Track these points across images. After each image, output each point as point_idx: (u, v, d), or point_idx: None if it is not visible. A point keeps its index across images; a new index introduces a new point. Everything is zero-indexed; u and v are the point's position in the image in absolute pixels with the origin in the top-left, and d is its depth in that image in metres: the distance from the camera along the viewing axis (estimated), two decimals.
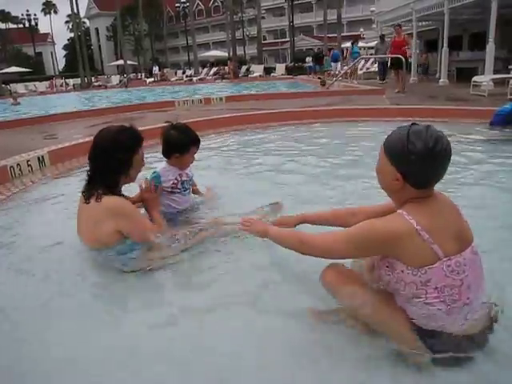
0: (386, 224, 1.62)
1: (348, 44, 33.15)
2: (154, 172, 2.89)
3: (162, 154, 2.94)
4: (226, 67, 33.99)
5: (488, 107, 7.86)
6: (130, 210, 2.50)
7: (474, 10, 16.85)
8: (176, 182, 2.92)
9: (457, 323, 1.62)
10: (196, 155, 3.01)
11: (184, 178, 2.97)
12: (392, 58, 14.37)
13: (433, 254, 1.56)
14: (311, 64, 28.85)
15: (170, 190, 2.92)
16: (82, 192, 2.50)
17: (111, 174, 2.46)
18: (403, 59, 12.98)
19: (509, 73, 11.98)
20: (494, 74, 12.98)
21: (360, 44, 25.63)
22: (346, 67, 19.74)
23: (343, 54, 26.17)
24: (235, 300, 2.21)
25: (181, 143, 2.83)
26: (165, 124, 2.91)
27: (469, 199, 3.37)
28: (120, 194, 2.54)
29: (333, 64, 22.50)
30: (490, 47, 13.39)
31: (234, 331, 1.97)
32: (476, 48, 18.01)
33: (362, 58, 18.59)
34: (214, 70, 35.02)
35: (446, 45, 15.99)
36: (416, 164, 1.59)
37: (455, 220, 1.68)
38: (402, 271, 1.62)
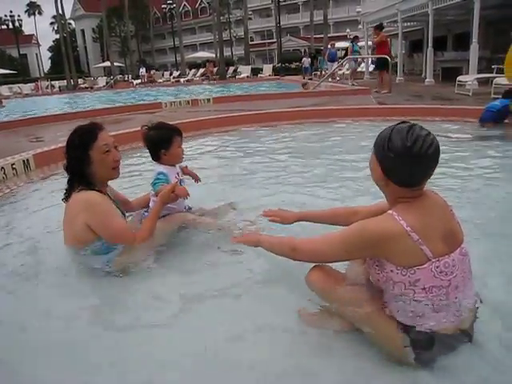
0: (376, 225, 1.63)
1: (340, 43, 33.30)
2: (161, 173, 2.81)
3: (152, 158, 2.91)
4: (203, 69, 33.98)
5: (474, 106, 7.97)
6: (103, 206, 2.45)
7: (458, 11, 17.04)
8: (176, 180, 2.87)
9: (443, 322, 1.63)
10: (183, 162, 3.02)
11: (181, 176, 2.97)
12: (377, 59, 14.55)
13: (422, 255, 1.57)
14: (307, 65, 27.64)
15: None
16: (65, 193, 2.53)
17: (77, 173, 2.48)
18: (388, 59, 13.17)
19: (492, 72, 12.12)
20: (478, 73, 13.14)
21: (347, 44, 25.23)
22: (333, 68, 19.68)
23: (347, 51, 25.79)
24: (220, 300, 2.22)
25: (162, 138, 2.82)
26: (142, 129, 2.88)
27: (458, 195, 3.42)
28: (99, 191, 2.51)
29: (329, 64, 21.32)
30: (474, 47, 13.55)
31: (220, 329, 1.97)
32: (460, 48, 18.21)
33: (349, 59, 18.46)
34: (202, 71, 34.98)
35: (430, 45, 16.17)
36: (394, 162, 1.60)
37: (446, 220, 1.68)
38: (392, 271, 1.63)
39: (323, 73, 22.71)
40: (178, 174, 2.93)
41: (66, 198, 2.51)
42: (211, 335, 1.94)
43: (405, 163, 1.59)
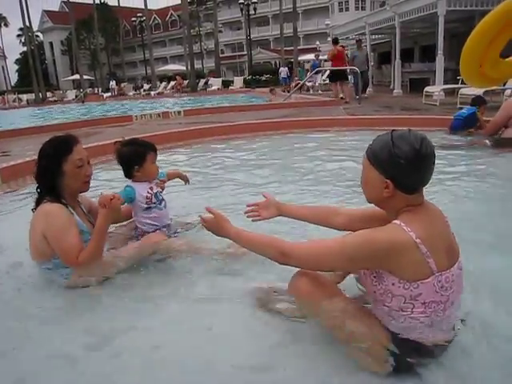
0: (385, 236, 1.54)
1: (310, 56, 33.58)
2: (128, 186, 2.73)
3: (125, 176, 2.81)
4: (185, 81, 34.06)
5: (441, 116, 8.16)
6: (60, 220, 2.37)
7: (424, 25, 17.54)
8: (150, 195, 2.78)
9: (434, 334, 1.61)
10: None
11: (155, 190, 2.84)
12: (333, 72, 15.02)
13: (428, 268, 1.52)
14: (285, 75, 26.95)
15: (146, 206, 2.77)
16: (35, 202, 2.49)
17: (46, 184, 2.44)
18: (346, 71, 14.34)
19: (458, 83, 12.45)
20: (444, 84, 13.50)
21: (312, 57, 25.42)
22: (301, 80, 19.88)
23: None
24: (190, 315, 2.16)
25: (135, 154, 2.72)
26: (114, 145, 2.80)
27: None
28: (65, 205, 2.44)
29: (315, 76, 20.85)
30: (440, 59, 13.93)
31: (192, 338, 1.92)
32: (427, 60, 18.70)
33: (319, 71, 18.72)
34: (173, 83, 34.91)
35: (398, 57, 16.56)
36: (405, 167, 1.55)
37: (446, 232, 1.65)
38: (393, 284, 1.57)
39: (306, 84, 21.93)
40: (150, 188, 2.80)
41: (35, 207, 2.46)
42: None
43: (416, 166, 1.55)
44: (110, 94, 35.39)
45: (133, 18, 50.86)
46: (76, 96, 33.87)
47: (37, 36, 67.21)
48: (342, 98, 14.25)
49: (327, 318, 1.76)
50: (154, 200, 2.79)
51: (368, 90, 16.63)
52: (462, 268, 1.66)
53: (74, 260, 2.34)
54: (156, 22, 69.63)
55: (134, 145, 2.77)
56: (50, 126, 12.17)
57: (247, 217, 2.29)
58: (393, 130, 1.63)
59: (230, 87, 33.37)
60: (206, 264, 2.58)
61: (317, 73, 19.59)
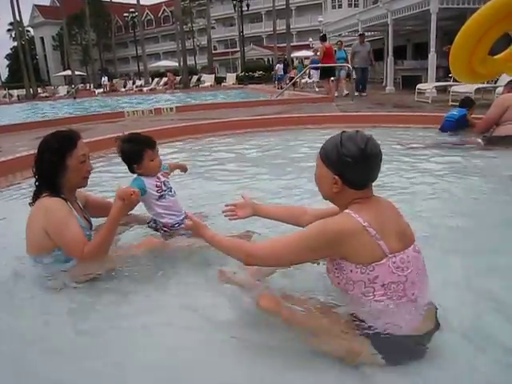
0: (336, 223, 1.69)
1: (302, 52, 33.43)
2: (137, 178, 2.71)
3: (130, 171, 2.78)
4: (178, 77, 33.97)
5: (433, 113, 8.18)
6: (61, 213, 2.37)
7: (416, 22, 17.58)
8: (159, 184, 2.76)
9: (403, 321, 1.66)
10: None
11: (163, 179, 2.81)
12: (323, 69, 15.07)
13: (380, 251, 1.64)
14: (281, 72, 25.31)
15: (158, 194, 2.75)
16: (32, 196, 2.49)
17: (47, 178, 2.43)
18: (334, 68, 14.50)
19: (450, 80, 12.50)
20: (437, 81, 13.56)
21: (309, 54, 25.23)
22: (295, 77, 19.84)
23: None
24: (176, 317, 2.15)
25: (133, 152, 2.69)
26: (116, 141, 2.75)
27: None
28: (64, 199, 2.43)
29: (313, 72, 19.87)
30: (432, 57, 13.98)
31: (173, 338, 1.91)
32: (419, 57, 18.76)
33: (313, 68, 18.63)
34: (165, 80, 34.79)
35: (391, 54, 16.59)
36: (351, 165, 1.70)
37: (396, 219, 1.77)
38: (351, 271, 1.69)
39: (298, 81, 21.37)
40: (157, 178, 2.78)
41: (33, 201, 2.45)
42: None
43: (362, 165, 1.70)
44: (101, 90, 35.16)
45: (125, 14, 50.65)
46: (67, 92, 33.63)
47: (27, 31, 66.85)
48: (347, 93, 14.54)
49: (296, 321, 1.81)
50: (163, 188, 2.78)
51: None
52: (419, 251, 1.77)
53: (80, 253, 2.34)
54: (148, 17, 69.30)
55: (131, 142, 2.71)
56: (41, 122, 12.10)
57: (224, 216, 2.42)
58: (343, 131, 1.79)
59: (223, 84, 33.30)
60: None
61: (316, 69, 18.50)
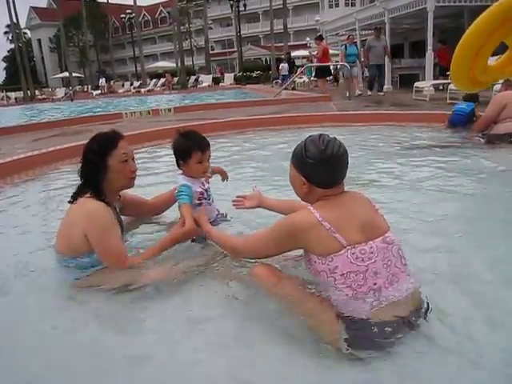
0: (295, 218, 1.85)
1: (300, 52, 33.22)
2: (184, 185, 2.63)
3: (176, 166, 2.75)
4: (175, 78, 33.98)
5: (433, 111, 8.19)
6: (105, 219, 2.37)
7: (413, 20, 17.60)
8: (202, 190, 2.73)
9: (365, 308, 1.72)
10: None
11: (206, 186, 2.79)
12: (319, 68, 15.13)
13: (336, 243, 1.75)
14: (286, 72, 23.35)
15: (197, 202, 2.70)
16: (72, 196, 2.48)
17: (91, 179, 2.44)
18: (330, 67, 14.23)
19: (447, 78, 12.50)
20: (434, 79, 13.55)
21: (306, 53, 24.87)
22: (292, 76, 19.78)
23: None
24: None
25: (181, 148, 2.64)
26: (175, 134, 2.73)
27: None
28: (106, 203, 2.43)
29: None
30: (429, 55, 14.00)
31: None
32: (416, 55, 18.77)
33: (309, 66, 18.58)
34: (163, 81, 34.81)
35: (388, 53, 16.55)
36: (313, 166, 1.84)
37: (364, 213, 1.87)
38: (315, 262, 1.81)
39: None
40: (202, 183, 2.75)
41: (73, 200, 2.44)
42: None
43: (323, 165, 1.83)
44: (99, 91, 35.14)
45: (122, 15, 50.78)
46: (65, 94, 33.58)
47: (24, 33, 66.62)
48: (360, 94, 14.25)
49: (282, 296, 1.93)
50: (205, 195, 2.76)
51: (359, 85, 15.93)
52: (390, 242, 1.84)
53: (122, 263, 2.35)
54: (145, 18, 69.27)
55: (184, 138, 2.67)
56: (39, 124, 12.08)
57: (233, 205, 2.73)
58: (309, 136, 1.91)
59: (221, 84, 33.30)
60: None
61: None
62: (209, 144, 2.69)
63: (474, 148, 5.55)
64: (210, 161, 2.75)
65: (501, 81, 6.62)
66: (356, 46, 14.93)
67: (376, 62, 13.81)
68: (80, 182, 2.49)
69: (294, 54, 34.47)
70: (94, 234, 2.32)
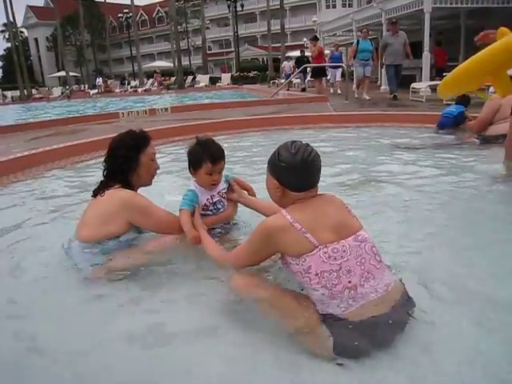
0: (267, 222, 1.91)
1: (295, 53, 33.03)
2: (190, 190, 2.64)
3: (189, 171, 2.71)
4: (172, 78, 34.02)
5: (429, 112, 8.22)
6: (144, 198, 2.58)
7: (410, 21, 17.64)
8: (208, 203, 2.68)
9: (340, 307, 1.74)
10: None
11: (216, 199, 2.72)
12: (315, 69, 15.23)
13: (308, 243, 1.79)
14: (289, 72, 21.70)
15: (202, 212, 2.67)
16: (94, 190, 2.62)
17: (121, 173, 2.59)
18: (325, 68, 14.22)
19: None
20: (431, 80, 13.59)
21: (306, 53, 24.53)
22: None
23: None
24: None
25: (193, 157, 2.59)
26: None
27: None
28: None
29: (331, 71, 16.42)
30: (426, 56, 14.05)
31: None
32: (413, 56, 18.77)
33: (307, 67, 18.45)
34: (151, 80, 34.81)
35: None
36: (284, 170, 1.91)
37: (336, 214, 1.91)
38: (290, 263, 1.84)
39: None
40: (211, 196, 2.69)
41: (98, 193, 2.57)
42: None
43: (295, 169, 1.88)
44: (96, 90, 35.08)
45: (119, 14, 50.57)
46: (62, 93, 33.54)
47: (21, 32, 66.51)
48: (369, 99, 12.73)
49: (263, 303, 1.95)
50: (210, 208, 2.71)
51: (354, 86, 15.67)
52: (363, 240, 1.87)
53: (177, 226, 2.52)
54: (143, 18, 69.21)
55: (199, 146, 2.60)
56: (36, 123, 12.06)
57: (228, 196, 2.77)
58: (284, 142, 1.97)
59: (218, 84, 33.29)
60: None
61: (335, 68, 16.38)
62: (222, 157, 2.62)
63: (470, 149, 5.59)
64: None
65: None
66: (371, 41, 13.37)
67: (393, 61, 11.99)
68: (105, 177, 2.63)
69: (290, 54, 34.55)
70: (140, 217, 2.52)
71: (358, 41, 13.53)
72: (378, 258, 1.88)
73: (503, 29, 3.99)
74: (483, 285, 2.19)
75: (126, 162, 2.59)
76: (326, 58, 16.45)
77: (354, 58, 13.44)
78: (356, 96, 14.02)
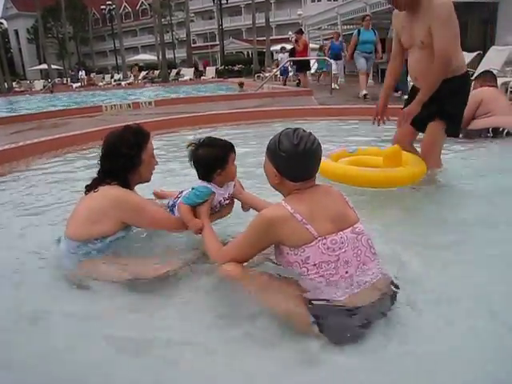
0: (267, 213, 1.89)
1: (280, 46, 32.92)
2: (206, 187, 2.48)
3: (201, 178, 2.53)
4: (156, 71, 33.77)
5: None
6: (136, 196, 2.54)
7: None
8: (218, 205, 2.60)
9: (337, 294, 1.78)
10: None
11: (224, 203, 2.64)
12: (300, 62, 15.16)
13: (308, 234, 1.81)
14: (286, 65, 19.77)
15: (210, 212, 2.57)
16: (87, 186, 2.53)
17: (120, 172, 2.49)
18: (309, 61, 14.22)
19: None
20: None
21: (289, 46, 24.39)
22: (274, 70, 19.66)
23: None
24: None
25: (218, 157, 2.44)
26: (189, 148, 2.53)
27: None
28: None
29: (333, 61, 14.29)
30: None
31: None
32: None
33: (289, 61, 18.38)
34: (144, 73, 34.49)
35: None
36: (285, 159, 1.89)
37: (336, 206, 1.93)
38: (287, 253, 1.86)
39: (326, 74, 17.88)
40: (223, 199, 2.61)
41: (91, 189, 2.48)
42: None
43: (295, 159, 1.87)
44: (79, 84, 34.60)
45: (102, 6, 49.89)
46: (44, 86, 33.03)
47: (1, 23, 65.26)
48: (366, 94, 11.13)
49: (253, 286, 1.95)
50: (218, 207, 2.64)
51: (339, 80, 15.87)
52: (359, 233, 1.91)
53: (172, 222, 2.49)
54: (126, 10, 68.40)
55: (213, 146, 2.48)
56: (17, 116, 11.90)
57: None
58: (286, 129, 1.94)
59: (202, 77, 33.10)
60: None
61: (336, 58, 14.98)
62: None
63: (452, 143, 5.62)
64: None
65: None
66: (374, 30, 11.91)
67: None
68: (99, 172, 2.54)
69: (275, 47, 34.48)
70: (134, 215, 2.45)
71: (358, 31, 11.66)
72: (373, 251, 1.94)
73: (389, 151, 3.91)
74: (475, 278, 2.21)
75: (128, 160, 2.48)
76: (326, 48, 16.31)
77: (354, 51, 11.72)
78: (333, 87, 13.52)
